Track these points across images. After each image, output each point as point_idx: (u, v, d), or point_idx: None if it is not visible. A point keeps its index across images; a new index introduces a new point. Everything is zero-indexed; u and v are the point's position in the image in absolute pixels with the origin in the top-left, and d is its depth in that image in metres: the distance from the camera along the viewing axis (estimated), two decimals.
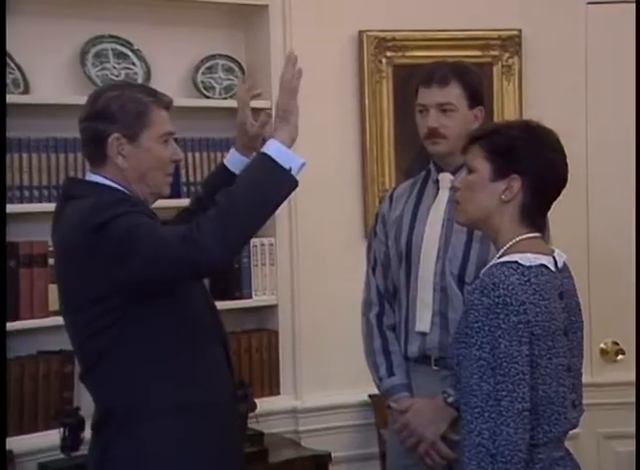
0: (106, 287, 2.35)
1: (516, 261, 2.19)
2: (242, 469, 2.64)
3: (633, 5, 3.92)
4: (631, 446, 3.81)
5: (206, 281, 2.78)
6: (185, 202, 3.02)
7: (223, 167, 2.76)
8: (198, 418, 2.42)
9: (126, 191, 2.46)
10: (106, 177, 2.46)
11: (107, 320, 2.38)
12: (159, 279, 2.33)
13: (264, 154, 2.34)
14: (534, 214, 2.27)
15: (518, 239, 2.24)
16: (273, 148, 2.34)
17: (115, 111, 2.42)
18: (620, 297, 3.97)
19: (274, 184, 2.33)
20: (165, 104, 2.50)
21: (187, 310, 2.47)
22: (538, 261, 2.20)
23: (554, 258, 2.27)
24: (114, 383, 2.43)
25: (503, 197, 2.25)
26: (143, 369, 2.41)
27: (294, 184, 2.36)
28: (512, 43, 4.02)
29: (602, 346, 4.08)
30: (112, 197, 2.42)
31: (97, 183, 2.46)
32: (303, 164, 2.37)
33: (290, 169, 2.33)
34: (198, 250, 2.25)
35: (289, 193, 2.37)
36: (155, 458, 2.39)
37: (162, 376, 2.41)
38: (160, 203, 2.64)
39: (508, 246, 2.24)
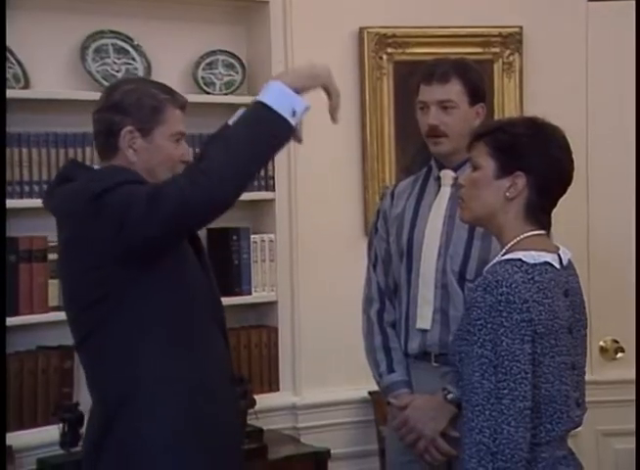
0: (103, 257, 2.33)
1: (520, 259, 2.18)
2: (241, 464, 2.64)
3: (634, 3, 3.92)
4: (631, 443, 3.82)
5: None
6: None
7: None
8: (194, 398, 2.40)
9: None
10: None
11: (102, 291, 2.36)
12: (159, 235, 2.29)
13: (258, 102, 2.32)
14: (539, 212, 2.26)
15: (522, 236, 2.23)
16: (271, 90, 2.32)
17: (131, 104, 2.43)
18: (620, 294, 3.97)
19: (268, 133, 2.32)
20: (181, 103, 2.50)
21: (184, 293, 2.44)
22: (542, 259, 2.20)
23: (559, 255, 2.26)
24: (107, 363, 2.41)
25: (508, 194, 2.24)
26: (138, 352, 2.38)
27: (289, 130, 2.33)
28: (513, 40, 4.01)
29: (601, 343, 4.08)
30: (109, 170, 2.43)
31: (97, 169, 2.47)
32: (307, 108, 2.35)
33: (293, 113, 2.31)
34: (193, 188, 2.24)
35: (285, 138, 2.35)
36: (148, 449, 2.38)
37: (158, 355, 2.38)
38: None
39: (512, 243, 2.23)
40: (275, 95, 2.32)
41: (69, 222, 2.42)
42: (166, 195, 2.26)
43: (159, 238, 2.31)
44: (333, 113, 2.45)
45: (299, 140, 2.45)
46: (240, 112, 2.45)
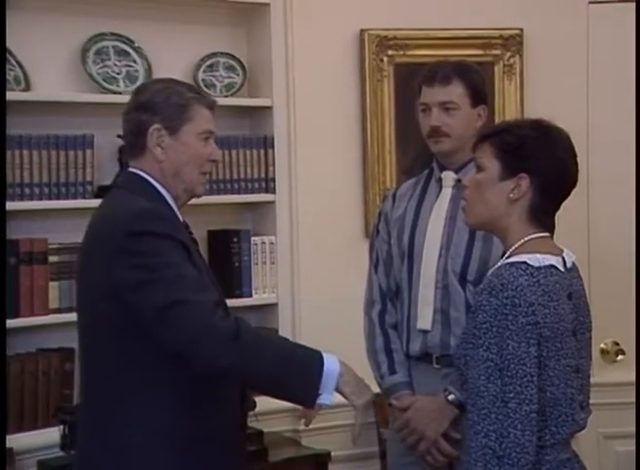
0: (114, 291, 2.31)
1: (525, 262, 2.17)
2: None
3: (634, 4, 3.92)
4: (631, 445, 3.81)
5: None
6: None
7: None
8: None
9: (162, 188, 2.43)
10: (144, 171, 2.43)
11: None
12: (161, 342, 2.28)
13: (322, 358, 2.32)
14: (543, 214, 2.25)
15: (526, 239, 2.23)
16: (333, 365, 2.32)
17: (159, 102, 2.41)
18: (621, 297, 3.96)
19: (301, 382, 2.31)
20: (208, 102, 2.48)
21: None
22: (547, 262, 2.19)
23: (563, 258, 2.25)
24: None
25: (511, 195, 2.23)
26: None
27: (313, 399, 2.32)
28: (513, 42, 4.02)
29: (602, 346, 4.08)
30: (157, 208, 2.39)
31: (140, 177, 2.43)
32: (326, 404, 2.34)
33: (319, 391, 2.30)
34: (223, 349, 2.26)
35: (301, 400, 2.36)
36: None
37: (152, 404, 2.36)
38: None
39: (516, 246, 2.22)
40: (331, 372, 2.31)
41: (98, 250, 2.36)
42: (207, 335, 2.25)
43: (161, 345, 2.29)
44: (356, 435, 2.42)
45: (308, 422, 2.52)
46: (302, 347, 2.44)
